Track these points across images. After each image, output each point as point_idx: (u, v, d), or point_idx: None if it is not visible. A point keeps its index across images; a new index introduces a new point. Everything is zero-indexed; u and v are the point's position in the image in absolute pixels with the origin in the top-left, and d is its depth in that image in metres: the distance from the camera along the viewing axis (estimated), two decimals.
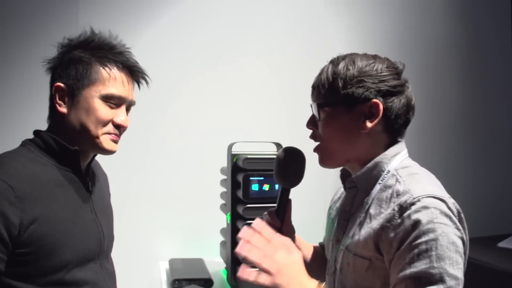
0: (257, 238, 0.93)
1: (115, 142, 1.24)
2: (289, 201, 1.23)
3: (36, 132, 1.23)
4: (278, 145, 1.95)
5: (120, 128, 1.24)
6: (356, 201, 1.16)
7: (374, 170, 1.12)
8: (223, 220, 2.00)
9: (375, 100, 1.09)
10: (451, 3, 2.91)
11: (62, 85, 1.20)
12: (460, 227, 1.01)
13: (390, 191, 1.07)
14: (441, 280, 0.93)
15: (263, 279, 0.90)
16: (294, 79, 2.50)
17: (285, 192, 1.20)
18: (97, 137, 1.20)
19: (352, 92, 1.09)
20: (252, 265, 0.91)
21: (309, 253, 1.40)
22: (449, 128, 2.80)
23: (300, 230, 1.34)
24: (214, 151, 2.16)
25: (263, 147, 1.95)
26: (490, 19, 3.00)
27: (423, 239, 0.96)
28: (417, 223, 0.97)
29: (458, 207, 1.04)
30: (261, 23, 2.47)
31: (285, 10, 2.51)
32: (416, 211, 0.98)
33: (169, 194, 2.29)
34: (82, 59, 1.21)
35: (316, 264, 1.37)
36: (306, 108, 2.49)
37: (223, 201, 2.04)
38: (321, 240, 1.47)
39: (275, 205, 1.82)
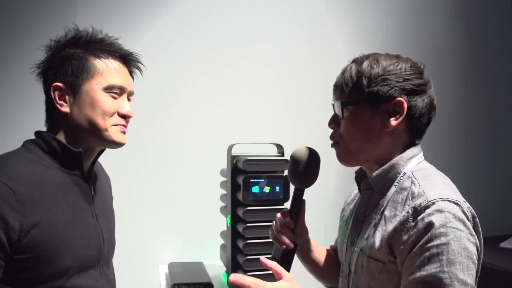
0: None
1: (124, 133, 1.23)
2: (303, 201, 1.22)
3: (38, 133, 1.21)
4: (278, 146, 1.93)
5: (126, 118, 1.24)
6: (371, 202, 1.16)
7: (390, 172, 1.12)
8: (223, 223, 1.98)
9: (399, 98, 1.10)
10: (453, 2, 2.90)
11: (60, 84, 1.18)
12: (474, 233, 1.01)
13: (405, 193, 1.08)
14: (450, 285, 0.93)
15: None
16: (294, 79, 2.49)
17: (300, 192, 1.20)
18: (106, 130, 1.19)
19: (376, 90, 1.10)
20: None
21: (322, 256, 1.38)
22: (451, 128, 2.77)
23: None
24: (214, 153, 2.15)
25: (263, 149, 1.93)
26: (492, 18, 2.99)
27: (435, 242, 0.96)
28: (430, 226, 0.97)
29: (473, 211, 1.04)
30: (262, 24, 2.45)
31: (286, 10, 2.50)
32: (430, 214, 0.99)
33: (168, 197, 2.27)
34: (75, 55, 1.20)
35: (330, 268, 1.37)
36: (307, 108, 2.51)
37: (223, 204, 2.02)
38: (318, 240, 1.44)
39: (275, 207, 1.81)
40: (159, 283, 2.06)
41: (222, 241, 2.05)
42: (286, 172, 1.83)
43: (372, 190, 1.16)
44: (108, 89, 1.20)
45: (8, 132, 2.03)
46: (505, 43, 3.03)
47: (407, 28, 2.72)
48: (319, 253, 1.38)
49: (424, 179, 1.08)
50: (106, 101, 1.19)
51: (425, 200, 1.01)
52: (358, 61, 1.16)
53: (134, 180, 2.22)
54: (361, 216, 1.18)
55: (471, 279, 0.96)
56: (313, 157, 1.17)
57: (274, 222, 1.24)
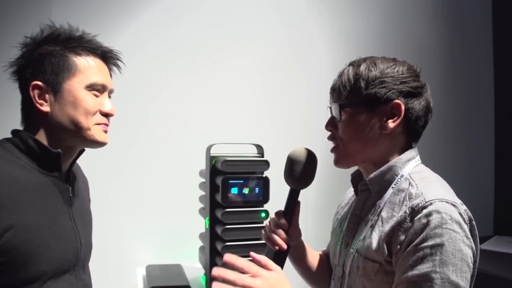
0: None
1: (106, 132, 1.21)
2: (298, 203, 1.21)
3: (15, 132, 1.16)
4: (258, 147, 1.91)
5: (108, 117, 1.21)
6: (368, 204, 1.17)
7: (387, 174, 1.14)
8: (201, 224, 1.95)
9: (397, 100, 1.11)
10: (434, 4, 2.92)
11: (39, 83, 1.15)
12: (470, 236, 1.02)
13: (403, 194, 1.09)
14: (440, 286, 0.94)
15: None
16: (274, 80, 2.48)
17: (295, 193, 1.19)
18: (89, 129, 1.17)
19: (374, 92, 1.12)
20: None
21: (314, 260, 1.38)
22: (431, 130, 2.77)
23: None
24: (193, 153, 2.12)
25: (243, 149, 1.90)
26: (472, 20, 3.02)
27: (429, 243, 0.97)
28: (425, 226, 0.99)
29: (470, 214, 1.06)
30: (242, 24, 2.44)
31: (267, 10, 2.49)
32: (427, 215, 1.00)
33: (146, 197, 2.24)
34: (55, 53, 1.16)
35: (322, 272, 1.37)
36: (287, 109, 2.50)
37: (202, 205, 1.99)
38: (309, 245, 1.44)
39: (254, 209, 1.80)
40: (137, 286, 2.02)
41: (200, 243, 2.02)
42: (266, 173, 1.82)
43: (369, 191, 1.17)
44: (90, 87, 1.17)
45: None
46: (485, 44, 3.06)
47: (388, 29, 2.73)
48: (312, 256, 1.38)
49: (421, 181, 1.09)
50: (88, 100, 1.16)
51: (422, 201, 1.02)
52: (355, 64, 1.17)
53: (111, 181, 2.18)
54: (357, 218, 1.19)
55: (464, 282, 0.96)
56: (311, 158, 1.17)
57: (267, 222, 1.24)
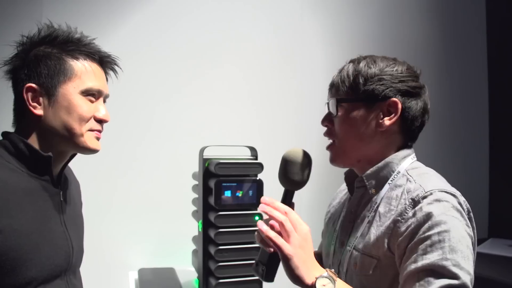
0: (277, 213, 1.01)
1: (98, 139, 1.19)
2: (292, 204, 1.19)
3: (5, 134, 1.14)
4: (252, 149, 1.89)
5: (102, 123, 1.19)
6: (364, 201, 1.18)
7: (384, 170, 1.15)
8: (194, 227, 1.93)
9: (394, 99, 1.12)
10: (428, 4, 2.92)
11: (34, 85, 1.12)
12: (470, 225, 1.03)
13: (400, 190, 1.10)
14: (454, 273, 0.93)
15: (283, 245, 0.97)
16: (268, 82, 2.47)
17: (290, 194, 1.17)
18: (82, 135, 1.14)
19: (372, 89, 1.13)
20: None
21: None
22: (424, 132, 2.77)
23: None
24: (186, 155, 2.10)
25: (236, 151, 1.88)
26: (466, 21, 3.03)
27: (436, 230, 0.97)
28: (429, 214, 0.99)
29: (468, 206, 1.07)
30: (236, 25, 2.43)
31: (260, 11, 2.48)
32: (429, 204, 1.01)
33: (139, 200, 2.22)
34: (51, 55, 1.14)
35: None
36: (281, 111, 2.48)
37: (195, 208, 1.97)
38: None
39: (248, 212, 1.77)
40: None
41: (194, 246, 2.00)
42: (259, 176, 1.80)
43: (365, 188, 1.17)
44: (86, 92, 1.15)
45: None
46: (479, 44, 3.07)
47: (382, 30, 2.73)
48: None
49: (419, 176, 1.11)
50: (83, 106, 1.14)
51: (422, 191, 1.04)
52: (355, 61, 1.18)
53: (103, 184, 2.16)
54: (352, 215, 1.19)
55: (472, 270, 0.96)
56: (306, 159, 1.15)
57: (258, 224, 1.21)
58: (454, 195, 1.03)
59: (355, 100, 1.14)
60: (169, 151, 2.27)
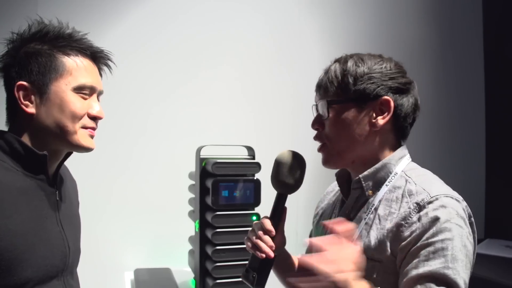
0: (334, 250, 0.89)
1: (92, 137, 1.16)
2: (285, 209, 1.16)
3: None
4: (249, 149, 1.88)
5: (96, 120, 1.16)
6: (360, 203, 1.14)
7: (381, 171, 1.12)
8: (191, 227, 1.92)
9: (386, 97, 1.10)
10: (425, 4, 2.92)
11: (25, 83, 1.09)
12: (471, 232, 1.02)
13: (400, 191, 1.08)
14: (455, 282, 0.93)
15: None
16: (265, 81, 2.47)
17: (283, 198, 1.14)
18: (75, 133, 1.11)
19: (363, 88, 1.10)
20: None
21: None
22: (421, 130, 2.77)
23: None
24: (182, 155, 2.07)
25: (233, 151, 1.87)
26: (463, 20, 3.03)
27: (440, 237, 0.96)
28: (435, 220, 0.98)
29: (469, 211, 1.06)
30: (233, 23, 2.42)
31: (257, 11, 2.47)
32: (435, 209, 1.00)
33: (135, 200, 2.21)
34: (42, 52, 1.11)
35: None
36: (278, 111, 2.47)
37: (191, 208, 1.96)
38: (289, 246, 1.38)
39: (245, 212, 1.77)
40: None
41: (190, 247, 1.99)
42: (257, 176, 1.79)
43: (361, 189, 1.14)
44: (78, 89, 1.12)
45: None
46: (476, 43, 3.07)
47: (379, 30, 2.73)
48: (294, 263, 1.34)
49: (419, 178, 1.09)
50: (76, 103, 1.11)
51: (428, 196, 1.02)
52: (341, 60, 1.15)
53: (99, 183, 2.15)
54: (347, 217, 1.15)
55: (467, 279, 0.96)
56: (299, 162, 1.13)
57: (250, 230, 1.16)
58: (458, 201, 1.03)
59: (346, 100, 1.11)
60: (165, 151, 2.26)
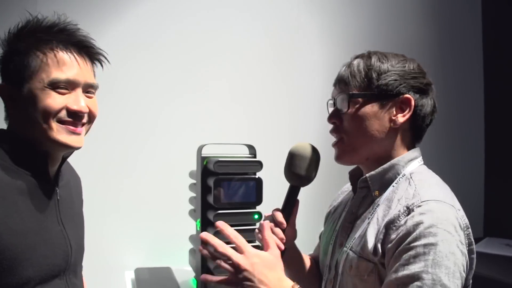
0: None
1: (75, 133, 1.09)
2: (297, 201, 1.16)
3: None
4: (250, 147, 1.88)
5: (77, 116, 1.09)
6: (366, 202, 1.14)
7: (389, 172, 1.11)
8: (192, 226, 1.91)
9: (407, 95, 1.10)
10: (424, 4, 2.92)
11: (5, 85, 1.09)
12: (464, 242, 0.97)
13: (401, 193, 1.07)
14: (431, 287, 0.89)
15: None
16: (267, 79, 2.47)
17: (295, 191, 1.14)
18: (49, 129, 1.06)
19: (386, 84, 1.10)
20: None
21: (305, 263, 1.35)
22: None
23: None
24: (182, 154, 2.07)
25: (235, 150, 1.87)
26: (462, 20, 3.03)
27: (422, 241, 0.93)
28: (419, 224, 0.95)
29: (467, 222, 1.02)
30: (233, 22, 2.42)
31: (258, 10, 2.47)
32: (421, 214, 0.97)
33: (135, 199, 2.20)
34: (18, 50, 1.08)
35: (312, 276, 1.33)
36: (279, 109, 2.47)
37: (192, 207, 1.95)
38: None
39: (247, 211, 1.76)
40: None
41: (191, 246, 1.98)
42: (258, 174, 1.78)
43: (368, 189, 1.14)
44: (52, 85, 1.06)
45: None
46: (475, 43, 3.08)
47: (378, 30, 2.73)
48: (302, 259, 1.34)
49: (420, 182, 1.07)
50: (47, 99, 1.05)
51: (418, 200, 1.00)
52: (364, 56, 1.15)
53: (99, 182, 2.14)
54: (352, 216, 1.15)
55: None
56: (315, 154, 1.13)
57: (261, 222, 1.17)
58: (452, 207, 1.00)
59: (368, 95, 1.11)
60: (166, 150, 2.25)
